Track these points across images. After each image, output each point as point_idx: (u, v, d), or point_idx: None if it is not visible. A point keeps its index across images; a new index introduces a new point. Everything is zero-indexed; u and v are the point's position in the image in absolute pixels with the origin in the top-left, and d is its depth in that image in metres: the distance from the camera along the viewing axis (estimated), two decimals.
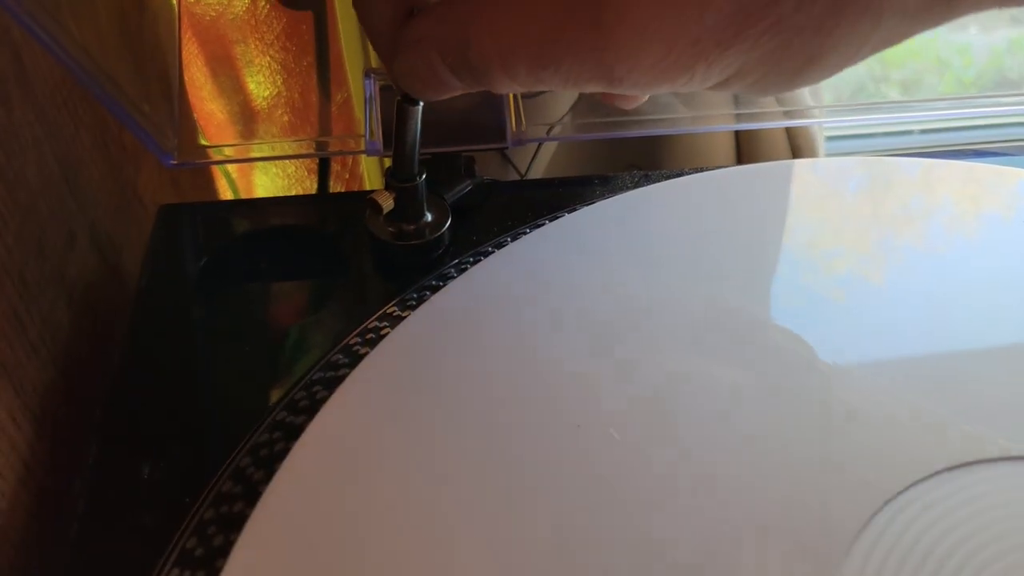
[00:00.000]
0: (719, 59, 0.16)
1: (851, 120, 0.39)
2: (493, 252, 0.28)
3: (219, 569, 0.19)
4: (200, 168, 0.41)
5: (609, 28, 0.16)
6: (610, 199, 0.29)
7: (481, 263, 0.27)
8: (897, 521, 0.19)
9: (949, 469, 0.21)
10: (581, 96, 0.34)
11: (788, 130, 0.43)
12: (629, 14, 0.16)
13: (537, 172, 0.46)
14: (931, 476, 0.20)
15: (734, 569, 0.19)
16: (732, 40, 0.16)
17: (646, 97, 0.20)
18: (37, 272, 0.26)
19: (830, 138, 0.52)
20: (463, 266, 0.28)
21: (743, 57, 0.17)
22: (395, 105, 0.24)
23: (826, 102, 0.43)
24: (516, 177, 0.46)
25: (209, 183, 0.43)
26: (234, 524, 0.20)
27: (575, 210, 0.29)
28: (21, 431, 0.24)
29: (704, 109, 0.33)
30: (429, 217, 0.28)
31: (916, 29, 0.17)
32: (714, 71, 0.17)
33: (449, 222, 0.28)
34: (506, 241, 0.28)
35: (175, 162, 0.30)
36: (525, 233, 0.28)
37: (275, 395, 0.24)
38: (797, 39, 0.16)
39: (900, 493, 0.20)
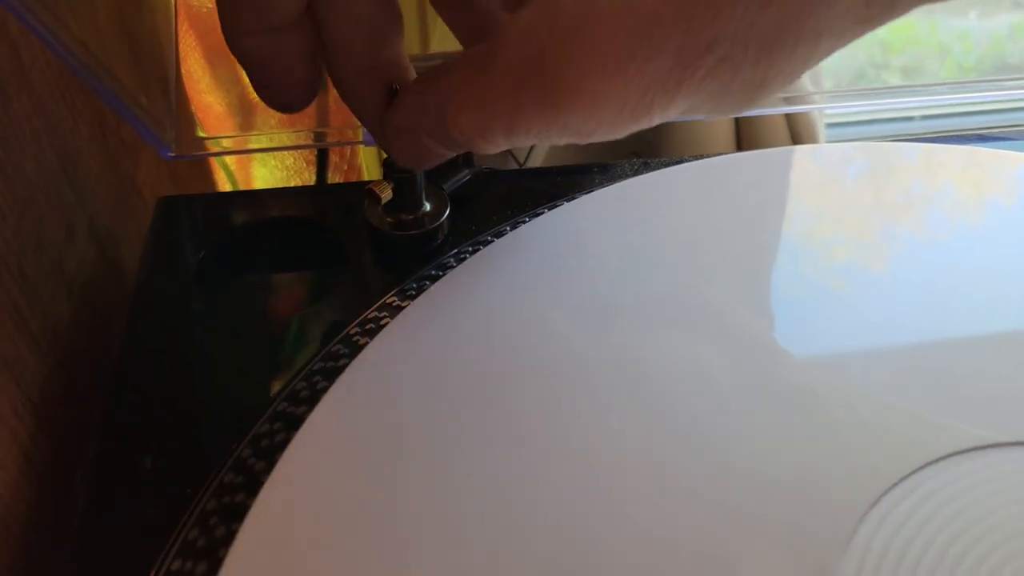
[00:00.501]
0: (671, 103, 0.18)
1: (852, 106, 0.38)
2: (492, 241, 0.28)
3: (221, 559, 0.19)
4: (198, 160, 0.40)
5: (566, 100, 0.18)
6: (610, 187, 0.29)
7: (480, 252, 0.27)
8: (901, 507, 0.19)
9: (951, 455, 0.21)
10: None
11: (788, 117, 0.43)
12: (580, 86, 0.18)
13: (536, 161, 0.46)
14: (935, 462, 0.20)
15: (735, 556, 0.19)
16: (677, 88, 0.18)
17: None
18: (36, 265, 0.26)
19: (830, 125, 0.52)
20: (462, 255, 0.28)
21: (692, 98, 0.18)
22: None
23: (826, 88, 0.43)
24: (515, 166, 0.46)
25: (207, 175, 0.43)
26: (236, 514, 0.20)
27: (575, 199, 0.29)
28: (23, 423, 0.24)
29: None
30: (428, 207, 0.28)
31: (859, 34, 0.17)
32: (670, 111, 0.19)
33: (448, 211, 0.28)
34: (505, 230, 0.28)
35: (173, 154, 0.30)
36: (524, 222, 0.28)
37: (276, 386, 0.24)
38: (739, 75, 0.17)
39: (903, 479, 0.20)
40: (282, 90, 0.24)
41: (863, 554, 0.19)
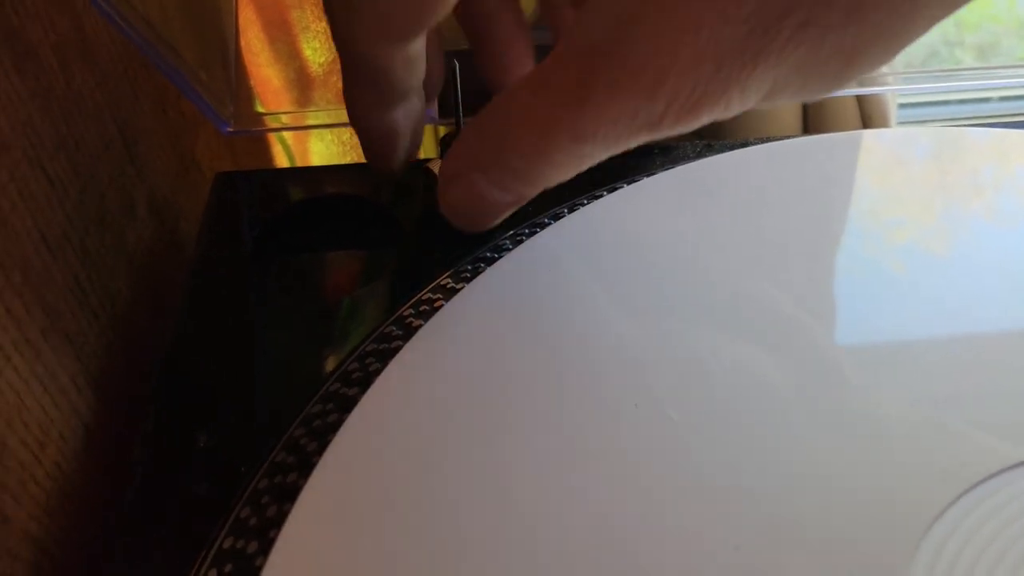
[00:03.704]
0: (750, 79, 0.16)
1: (923, 88, 0.37)
2: (549, 224, 0.27)
3: (272, 540, 0.19)
4: (257, 136, 0.41)
5: (632, 80, 0.17)
6: (671, 170, 0.28)
7: (537, 235, 0.26)
8: (975, 512, 0.18)
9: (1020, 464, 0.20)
10: None
11: (859, 98, 0.41)
12: (646, 61, 0.16)
13: None
14: (1004, 471, 0.19)
15: (798, 549, 0.18)
16: (756, 59, 0.16)
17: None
18: (98, 241, 0.26)
19: (903, 106, 0.50)
20: (519, 237, 0.27)
21: (774, 71, 0.16)
22: (453, 72, 0.24)
23: (898, 68, 0.41)
24: None
25: (266, 150, 0.43)
26: (287, 495, 0.20)
27: (635, 181, 0.28)
28: (83, 396, 0.25)
29: None
30: None
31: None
32: (750, 92, 0.17)
33: None
34: (563, 212, 0.28)
35: (231, 130, 0.30)
36: (583, 204, 0.28)
37: (329, 365, 0.24)
38: (827, 42, 0.15)
39: (968, 491, 0.19)
40: (393, 158, 0.25)
41: (939, 546, 0.18)
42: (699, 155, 0.30)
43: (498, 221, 0.23)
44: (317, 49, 0.33)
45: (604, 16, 0.17)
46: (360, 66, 0.23)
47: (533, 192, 0.22)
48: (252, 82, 0.32)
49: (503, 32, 0.25)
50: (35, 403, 0.22)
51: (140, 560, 0.20)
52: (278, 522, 0.19)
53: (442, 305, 0.24)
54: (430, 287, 0.26)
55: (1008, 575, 0.17)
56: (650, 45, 0.16)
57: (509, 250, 0.26)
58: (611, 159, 0.28)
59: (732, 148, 0.30)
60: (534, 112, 0.19)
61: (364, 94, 0.24)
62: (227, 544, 0.20)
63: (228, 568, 0.19)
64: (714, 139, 0.31)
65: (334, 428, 0.21)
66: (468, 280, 0.25)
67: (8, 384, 0.21)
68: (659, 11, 0.16)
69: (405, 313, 0.25)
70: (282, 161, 0.44)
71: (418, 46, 0.23)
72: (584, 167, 0.20)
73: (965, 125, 0.32)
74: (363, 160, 0.27)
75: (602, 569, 0.18)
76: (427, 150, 0.53)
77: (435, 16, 0.21)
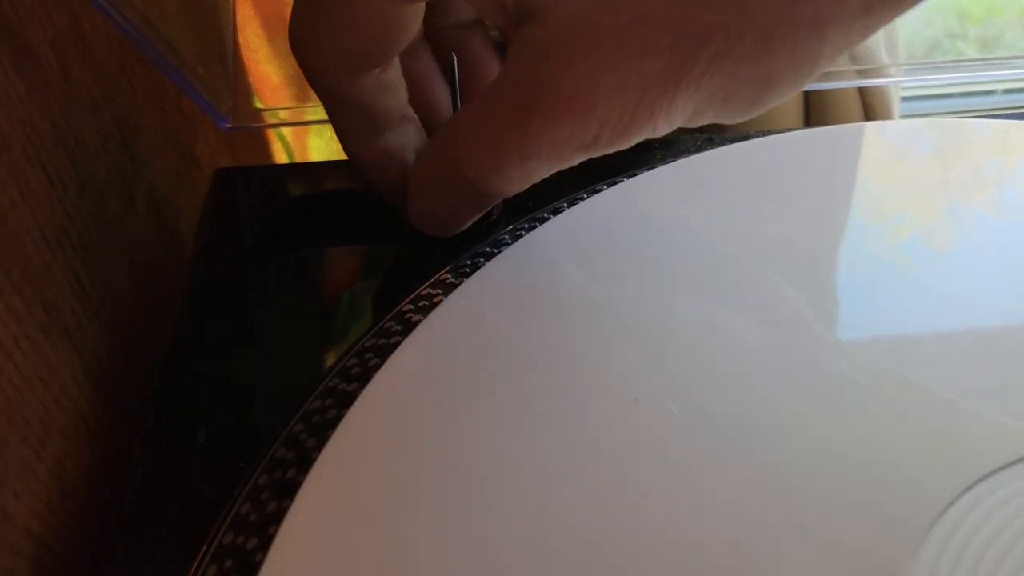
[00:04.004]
0: (672, 105, 0.18)
1: (927, 80, 0.37)
2: (549, 218, 0.27)
3: (272, 536, 0.19)
4: (255, 132, 0.41)
5: (566, 107, 0.18)
6: (671, 163, 0.28)
7: (536, 229, 0.26)
8: (979, 507, 0.18)
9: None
10: None
11: (861, 90, 0.41)
12: (576, 90, 0.18)
13: None
14: (1009, 465, 0.19)
15: (812, 538, 0.18)
16: (676, 87, 0.17)
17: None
18: (97, 237, 0.26)
19: (906, 99, 0.50)
20: (518, 232, 0.27)
21: (695, 96, 0.18)
22: (451, 67, 0.24)
23: (901, 60, 0.41)
24: None
25: (264, 146, 0.43)
26: (287, 490, 0.20)
27: (635, 175, 0.28)
28: (84, 393, 0.25)
29: None
30: None
31: (869, 26, 0.17)
32: (675, 115, 0.18)
33: None
34: (563, 207, 0.28)
35: (230, 125, 0.30)
36: (582, 199, 0.27)
37: (329, 361, 0.24)
38: (741, 70, 0.17)
39: (974, 484, 0.19)
40: (393, 183, 0.26)
41: (931, 567, 0.18)
42: (700, 148, 0.30)
43: (464, 227, 0.25)
44: None
45: (537, 43, 0.18)
46: (336, 97, 0.24)
47: (492, 202, 0.24)
48: (250, 78, 0.32)
49: (472, 57, 0.26)
50: (35, 400, 0.22)
51: (140, 557, 0.20)
52: (278, 518, 0.19)
53: (441, 300, 0.24)
54: (429, 282, 0.26)
55: (1012, 572, 0.17)
56: (580, 74, 0.18)
57: (508, 245, 0.26)
58: (609, 154, 0.28)
59: (733, 141, 0.30)
60: (486, 134, 0.20)
61: (349, 125, 0.25)
62: (227, 540, 0.20)
63: (228, 564, 0.19)
64: (715, 132, 0.31)
65: (333, 424, 0.21)
66: (467, 275, 0.25)
67: (8, 381, 0.21)
68: (586, 43, 0.17)
69: (404, 308, 0.25)
70: (281, 158, 0.44)
71: (391, 74, 0.24)
72: (535, 180, 0.21)
73: (969, 117, 0.32)
74: None
75: (601, 563, 0.18)
76: None
77: (396, 47, 0.22)
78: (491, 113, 0.20)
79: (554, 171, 0.21)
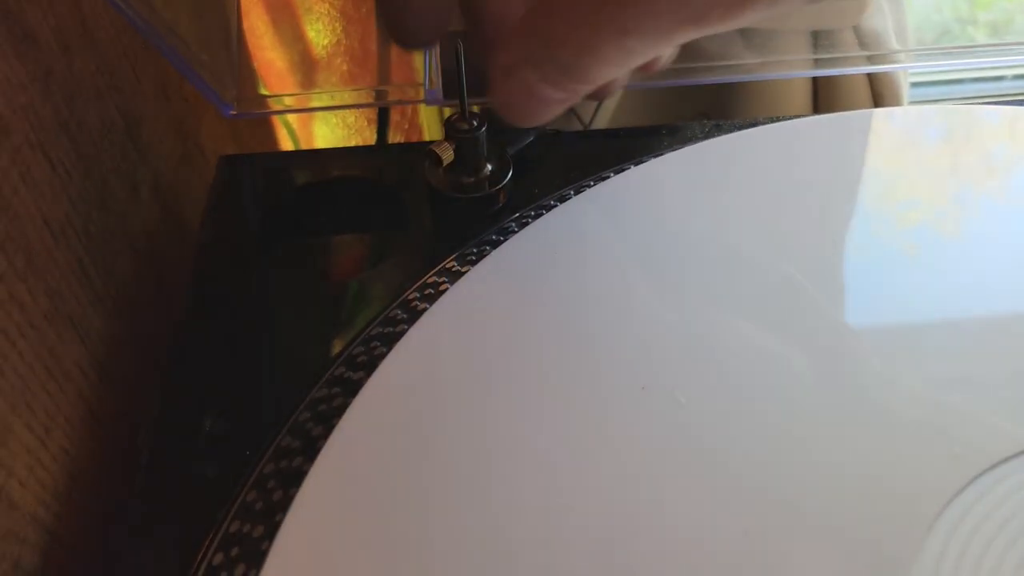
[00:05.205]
0: None
1: (936, 65, 0.36)
2: (556, 206, 0.27)
3: (278, 524, 0.19)
4: (260, 118, 0.40)
5: None
6: (679, 150, 0.28)
7: (542, 217, 0.26)
8: (987, 496, 0.18)
9: None
10: None
11: (870, 76, 0.40)
12: None
13: (602, 122, 0.45)
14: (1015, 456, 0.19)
15: (813, 534, 0.18)
16: None
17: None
18: (101, 224, 0.26)
19: (915, 84, 0.50)
20: (524, 220, 0.27)
21: None
22: (457, 53, 0.24)
23: (910, 46, 0.40)
24: (580, 127, 0.45)
25: (269, 133, 0.42)
26: (293, 479, 0.20)
27: (642, 162, 0.28)
28: (88, 380, 0.24)
29: (780, 54, 0.31)
30: (489, 169, 0.27)
31: None
32: None
33: (510, 174, 0.27)
34: (569, 194, 0.27)
35: (234, 112, 0.30)
36: (589, 186, 0.27)
37: (335, 348, 0.24)
38: None
39: (982, 474, 0.19)
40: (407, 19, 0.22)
41: (937, 558, 0.18)
42: (708, 135, 0.30)
43: (551, 118, 0.22)
44: (320, 31, 0.33)
45: None
46: None
47: (585, 88, 0.21)
48: (255, 64, 0.31)
49: None
50: (40, 388, 0.22)
51: (146, 545, 0.20)
52: (284, 506, 0.19)
53: (447, 288, 0.24)
54: (435, 270, 0.26)
55: (1018, 562, 0.17)
56: None
57: (514, 232, 0.26)
58: (616, 141, 0.27)
59: (741, 128, 0.30)
60: (580, 7, 0.18)
61: None
62: (233, 528, 0.20)
63: (234, 552, 0.19)
64: (723, 118, 0.31)
65: (339, 412, 0.21)
66: (473, 263, 0.25)
67: (13, 369, 0.21)
68: None
69: (410, 296, 0.25)
70: (287, 145, 0.43)
71: None
72: (633, 63, 0.19)
73: (978, 103, 0.31)
74: (368, 143, 0.26)
75: (609, 552, 0.18)
76: (432, 132, 0.52)
77: None
78: None
79: (653, 55, 0.19)
